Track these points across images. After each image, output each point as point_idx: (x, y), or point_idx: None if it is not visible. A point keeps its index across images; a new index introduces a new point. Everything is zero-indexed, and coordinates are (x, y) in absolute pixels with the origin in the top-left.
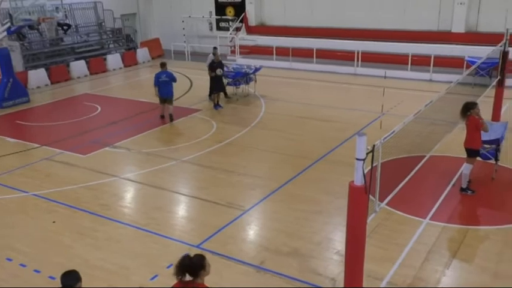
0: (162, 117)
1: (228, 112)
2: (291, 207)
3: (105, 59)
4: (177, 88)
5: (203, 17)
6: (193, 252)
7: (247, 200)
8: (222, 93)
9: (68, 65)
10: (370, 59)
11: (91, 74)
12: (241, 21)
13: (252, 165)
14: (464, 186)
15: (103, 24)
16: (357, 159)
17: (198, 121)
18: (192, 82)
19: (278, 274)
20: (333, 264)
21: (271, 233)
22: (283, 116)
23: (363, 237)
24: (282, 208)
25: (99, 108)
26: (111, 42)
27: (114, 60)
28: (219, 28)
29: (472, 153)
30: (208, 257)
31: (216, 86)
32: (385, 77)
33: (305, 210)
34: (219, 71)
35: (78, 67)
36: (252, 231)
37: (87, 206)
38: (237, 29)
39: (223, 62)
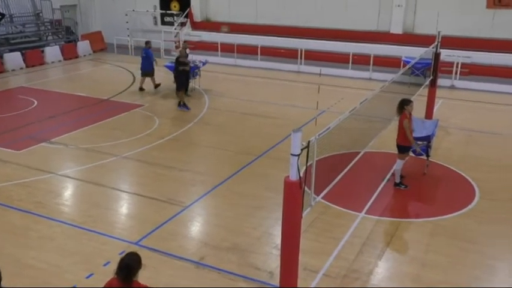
0: (141, 89)
1: (171, 107)
2: (232, 202)
3: (42, 51)
4: (119, 83)
5: (147, 11)
6: (131, 249)
7: (188, 196)
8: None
9: (1, 57)
10: (313, 57)
11: (27, 66)
12: (186, 16)
13: (194, 161)
14: (397, 181)
15: (40, 15)
16: (292, 154)
17: (140, 116)
18: (135, 77)
19: (217, 269)
20: (272, 258)
21: (211, 228)
22: (227, 112)
23: (298, 231)
24: (223, 204)
25: (36, 102)
26: (50, 34)
27: (52, 52)
28: (163, 23)
29: (403, 149)
30: (147, 254)
31: (185, 82)
32: (320, 75)
33: (246, 205)
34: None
35: (13, 59)
36: (193, 227)
37: (20, 204)
38: (182, 24)
39: (165, 57)
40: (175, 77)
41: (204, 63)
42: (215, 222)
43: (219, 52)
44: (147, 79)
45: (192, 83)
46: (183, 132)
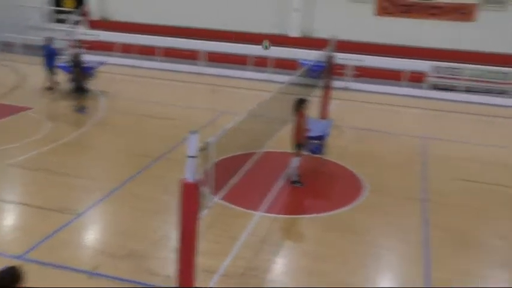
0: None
1: (64, 110)
2: (130, 207)
3: None
4: (2, 84)
5: (36, 7)
6: (13, 263)
7: (82, 202)
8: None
9: None
10: (215, 58)
11: None
12: (81, 14)
13: (89, 165)
14: (294, 179)
15: None
16: (189, 156)
17: (29, 120)
18: (22, 78)
19: (112, 278)
20: (169, 262)
21: (107, 236)
22: (124, 114)
23: (195, 233)
24: (120, 209)
25: None
26: None
27: None
28: (56, 20)
29: (299, 147)
30: (33, 267)
31: (81, 83)
32: (218, 76)
33: (144, 209)
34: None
35: None
36: (87, 236)
37: None
38: (77, 23)
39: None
40: (71, 78)
41: (101, 64)
42: (112, 229)
43: (117, 53)
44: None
45: (88, 85)
46: (77, 136)
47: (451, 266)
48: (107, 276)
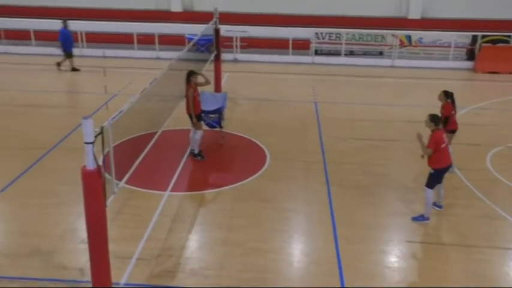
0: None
1: None
2: (25, 203)
3: None
4: None
5: None
6: None
7: None
8: None
9: None
10: (95, 39)
11: None
12: None
13: None
14: (196, 151)
15: None
16: (86, 143)
17: None
18: None
19: (17, 279)
20: (80, 254)
21: (4, 236)
22: (5, 106)
23: (104, 220)
24: (14, 206)
25: None
26: None
27: None
28: None
29: (195, 118)
30: None
31: None
32: (104, 57)
33: (42, 204)
34: None
35: None
36: None
37: None
38: None
39: None
40: None
41: None
42: (7, 228)
43: None
44: None
45: None
46: None
47: (352, 221)
48: (12, 278)
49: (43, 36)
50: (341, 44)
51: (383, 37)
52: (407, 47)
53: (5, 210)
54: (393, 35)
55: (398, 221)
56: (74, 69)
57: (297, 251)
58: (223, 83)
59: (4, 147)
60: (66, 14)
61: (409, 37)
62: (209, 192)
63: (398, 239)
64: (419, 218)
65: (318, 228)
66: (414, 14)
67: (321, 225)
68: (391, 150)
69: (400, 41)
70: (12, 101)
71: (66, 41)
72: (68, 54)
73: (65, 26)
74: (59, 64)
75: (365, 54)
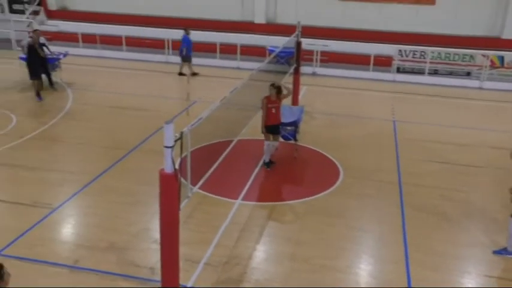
0: (181, 74)
1: (30, 103)
2: (106, 200)
3: None
4: None
5: None
6: None
7: (56, 197)
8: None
9: None
10: (177, 46)
11: None
12: (39, 4)
13: (61, 159)
14: (266, 160)
15: None
16: (165, 146)
17: None
18: None
19: (94, 271)
20: (151, 254)
21: (85, 229)
22: (93, 106)
23: (177, 223)
24: (97, 202)
25: None
26: None
27: None
28: (12, 11)
29: (265, 128)
30: (13, 263)
31: (39, 70)
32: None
33: (121, 202)
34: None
35: None
36: (64, 230)
37: None
38: (35, 13)
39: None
40: (27, 65)
41: (64, 55)
42: (89, 222)
43: (80, 43)
44: None
45: (53, 77)
46: (46, 129)
47: (426, 247)
48: (89, 270)
49: (133, 43)
50: (425, 62)
51: (471, 57)
52: (499, 69)
53: (88, 204)
54: (483, 55)
55: (477, 252)
56: (194, 74)
57: (364, 272)
58: (300, 96)
59: (93, 145)
60: (153, 22)
61: (501, 58)
62: (280, 205)
63: (476, 272)
64: (502, 252)
65: (388, 250)
66: (509, 34)
67: (392, 248)
68: (474, 177)
69: (491, 61)
70: (103, 102)
71: (188, 47)
72: (188, 59)
73: (187, 34)
74: (194, 74)
75: (451, 74)
